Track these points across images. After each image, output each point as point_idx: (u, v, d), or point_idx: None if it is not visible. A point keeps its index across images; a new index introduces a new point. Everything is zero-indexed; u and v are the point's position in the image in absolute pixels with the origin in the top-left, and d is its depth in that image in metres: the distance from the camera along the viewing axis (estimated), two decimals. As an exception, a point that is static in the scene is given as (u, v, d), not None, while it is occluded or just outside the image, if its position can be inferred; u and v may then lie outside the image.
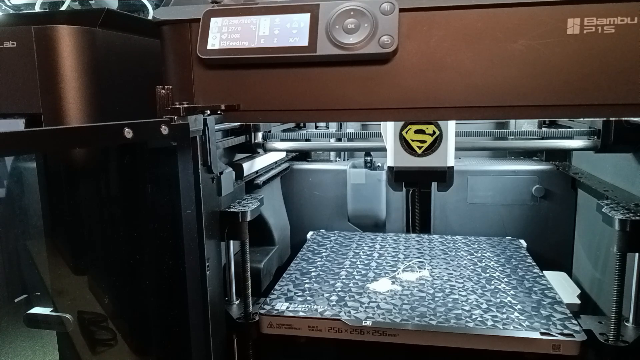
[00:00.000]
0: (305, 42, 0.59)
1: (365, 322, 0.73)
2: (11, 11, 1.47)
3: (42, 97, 0.63)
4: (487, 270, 0.92)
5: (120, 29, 0.71)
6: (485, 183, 1.17)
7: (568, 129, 0.91)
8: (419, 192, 1.12)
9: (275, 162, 1.15)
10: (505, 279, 0.88)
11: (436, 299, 0.80)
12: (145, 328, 0.65)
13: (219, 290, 0.71)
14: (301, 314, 0.76)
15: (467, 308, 0.77)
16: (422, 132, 0.78)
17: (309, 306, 0.78)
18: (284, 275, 0.92)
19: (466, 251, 1.03)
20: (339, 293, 0.83)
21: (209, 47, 0.61)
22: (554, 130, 0.92)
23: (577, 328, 0.70)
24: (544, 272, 0.91)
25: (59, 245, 0.66)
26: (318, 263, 0.98)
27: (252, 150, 0.98)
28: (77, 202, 0.66)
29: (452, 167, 0.80)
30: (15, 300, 0.75)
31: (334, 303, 0.79)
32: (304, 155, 1.30)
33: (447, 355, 0.72)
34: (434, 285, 0.86)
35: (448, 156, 0.79)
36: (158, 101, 0.57)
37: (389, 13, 0.57)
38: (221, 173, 0.69)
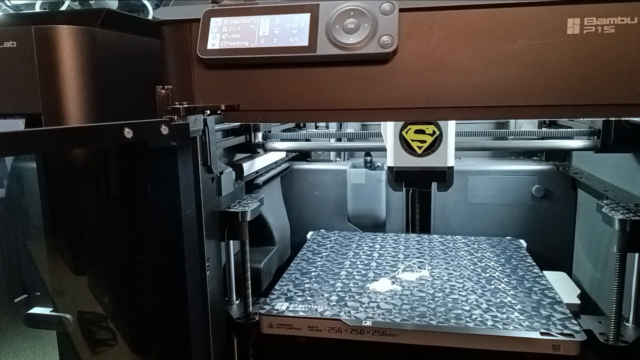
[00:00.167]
0: (305, 42, 0.59)
1: (365, 322, 0.73)
2: (11, 11, 1.47)
3: (42, 97, 0.63)
4: (487, 270, 0.92)
5: (120, 29, 0.71)
6: (485, 183, 1.17)
7: (568, 129, 0.91)
8: (419, 192, 1.12)
9: (275, 162, 1.15)
10: (505, 279, 0.88)
11: (436, 299, 0.80)
12: (145, 328, 0.65)
13: (219, 290, 0.71)
14: (301, 314, 0.76)
15: (467, 308, 0.77)
16: (422, 132, 0.78)
17: (309, 306, 0.78)
18: (284, 275, 0.92)
19: (466, 251, 1.03)
20: (339, 293, 0.83)
21: (209, 47, 0.61)
22: (554, 130, 0.92)
23: (577, 328, 0.70)
24: (544, 272, 0.91)
25: (59, 245, 0.66)
26: (318, 263, 0.98)
27: (252, 150, 0.98)
28: (77, 202, 0.66)
29: (452, 167, 0.80)
30: (15, 300, 0.75)
31: (334, 303, 0.79)
32: (304, 155, 1.30)
33: (447, 355, 0.72)
34: (434, 285, 0.86)
35: (448, 156, 0.79)
36: (158, 101, 0.57)
37: (389, 13, 0.57)
38: (221, 173, 0.69)
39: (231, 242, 0.73)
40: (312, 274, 0.93)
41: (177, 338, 0.62)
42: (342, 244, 1.10)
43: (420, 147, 0.79)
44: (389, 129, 0.80)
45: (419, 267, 0.94)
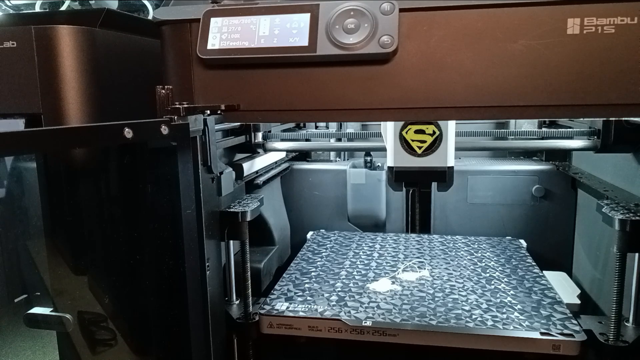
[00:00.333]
0: (305, 42, 0.59)
1: (365, 322, 0.73)
2: (11, 11, 1.48)
3: (42, 97, 0.63)
4: (487, 270, 0.92)
5: (120, 29, 0.71)
6: (485, 183, 1.17)
7: (568, 129, 0.91)
8: (419, 192, 1.12)
9: (275, 162, 1.15)
10: (505, 279, 0.88)
11: (436, 299, 0.80)
12: (145, 328, 0.65)
13: (219, 290, 0.71)
14: (301, 314, 0.76)
15: (467, 308, 0.77)
16: (422, 132, 0.78)
17: (309, 306, 0.78)
18: (284, 275, 0.92)
19: (466, 251, 1.03)
20: (339, 293, 0.83)
21: (209, 47, 0.61)
22: (554, 130, 0.92)
23: (577, 328, 0.70)
24: (544, 272, 0.91)
25: (59, 245, 0.66)
26: (318, 263, 0.98)
27: (252, 150, 0.98)
28: (77, 202, 0.66)
29: (452, 167, 0.80)
30: (15, 300, 0.75)
31: (334, 303, 0.79)
32: (304, 155, 1.30)
33: (447, 355, 0.72)
34: (434, 285, 0.86)
35: (448, 156, 0.79)
36: (158, 101, 0.57)
37: (389, 13, 0.57)
38: (221, 173, 0.69)
39: (231, 242, 0.73)
40: (312, 274, 0.93)
41: (177, 338, 0.62)
42: (342, 244, 1.10)
43: (420, 147, 0.79)
44: (389, 129, 0.80)
45: (419, 267, 0.94)
